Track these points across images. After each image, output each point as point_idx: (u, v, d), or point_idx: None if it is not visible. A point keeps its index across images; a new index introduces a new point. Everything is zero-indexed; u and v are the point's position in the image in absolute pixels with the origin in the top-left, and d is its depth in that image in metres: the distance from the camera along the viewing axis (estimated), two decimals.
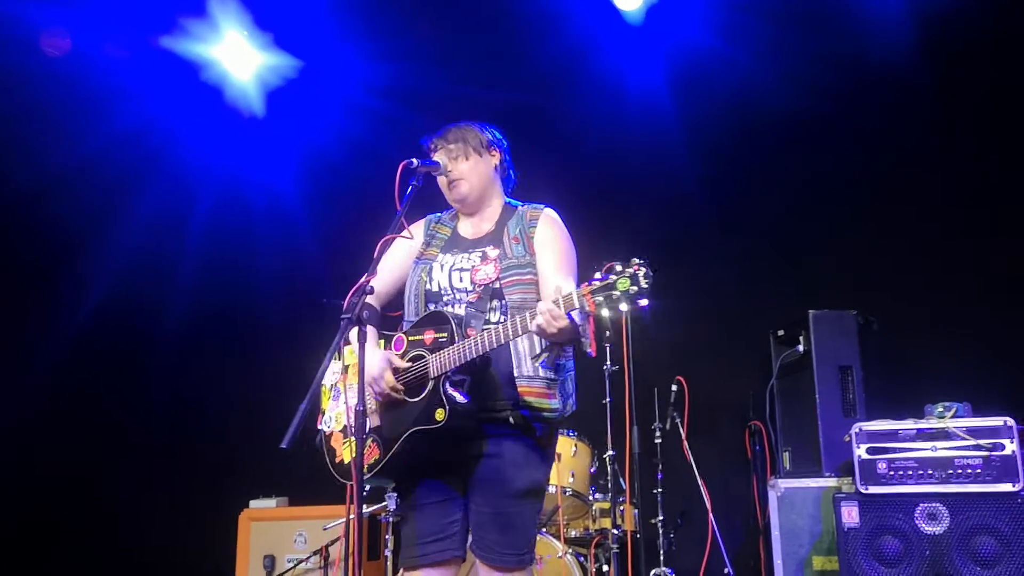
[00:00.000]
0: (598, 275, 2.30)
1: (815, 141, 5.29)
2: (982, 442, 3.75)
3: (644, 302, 2.26)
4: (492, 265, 2.72)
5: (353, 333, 2.65)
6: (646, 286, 2.24)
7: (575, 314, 2.34)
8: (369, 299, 2.77)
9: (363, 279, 2.59)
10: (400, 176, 2.71)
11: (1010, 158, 4.88)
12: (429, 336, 2.62)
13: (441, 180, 2.87)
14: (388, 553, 4.62)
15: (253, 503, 5.38)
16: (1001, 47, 4.91)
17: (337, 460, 2.76)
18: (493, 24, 5.66)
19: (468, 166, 2.83)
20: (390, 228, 2.74)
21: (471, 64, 5.71)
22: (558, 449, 4.32)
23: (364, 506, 2.61)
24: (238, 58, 5.83)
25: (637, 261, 2.27)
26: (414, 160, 2.76)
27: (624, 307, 2.26)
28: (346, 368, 2.84)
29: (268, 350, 6.18)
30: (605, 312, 2.29)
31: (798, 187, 5.34)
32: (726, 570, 4.63)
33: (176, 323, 6.12)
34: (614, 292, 2.25)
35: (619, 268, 2.27)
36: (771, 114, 5.31)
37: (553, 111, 5.68)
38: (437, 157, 2.84)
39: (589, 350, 2.44)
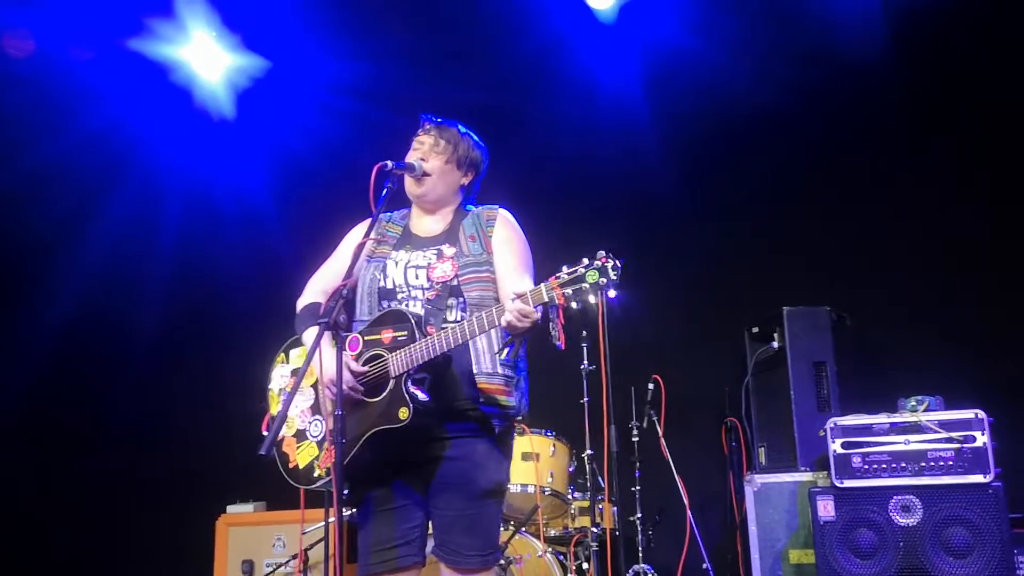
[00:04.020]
0: (566, 268, 2.34)
1: (788, 137, 5.32)
2: (954, 435, 3.81)
3: (613, 293, 2.36)
4: (450, 263, 2.69)
5: (307, 334, 2.65)
6: (615, 278, 2.31)
7: (543, 307, 2.36)
8: (315, 297, 2.79)
9: (339, 284, 2.58)
10: (375, 179, 2.66)
11: (982, 154, 4.95)
12: (387, 335, 2.57)
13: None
14: None
15: (230, 508, 5.31)
16: (975, 41, 4.96)
17: (291, 466, 2.70)
18: (465, 23, 5.63)
19: (441, 169, 2.78)
20: (366, 232, 2.73)
21: (442, 63, 5.67)
22: (537, 449, 4.35)
23: (344, 510, 2.57)
24: (206, 59, 5.75)
25: (603, 254, 2.32)
26: (388, 163, 2.71)
27: (592, 299, 2.32)
28: (294, 371, 2.76)
29: (241, 353, 6.11)
30: (574, 304, 2.34)
31: (771, 184, 5.38)
32: (704, 565, 4.66)
33: (148, 327, 6.04)
34: (584, 284, 2.30)
35: (587, 261, 2.33)
36: (744, 111, 5.34)
37: (526, 110, 5.66)
38: (424, 138, 2.80)
39: (559, 343, 2.40)
